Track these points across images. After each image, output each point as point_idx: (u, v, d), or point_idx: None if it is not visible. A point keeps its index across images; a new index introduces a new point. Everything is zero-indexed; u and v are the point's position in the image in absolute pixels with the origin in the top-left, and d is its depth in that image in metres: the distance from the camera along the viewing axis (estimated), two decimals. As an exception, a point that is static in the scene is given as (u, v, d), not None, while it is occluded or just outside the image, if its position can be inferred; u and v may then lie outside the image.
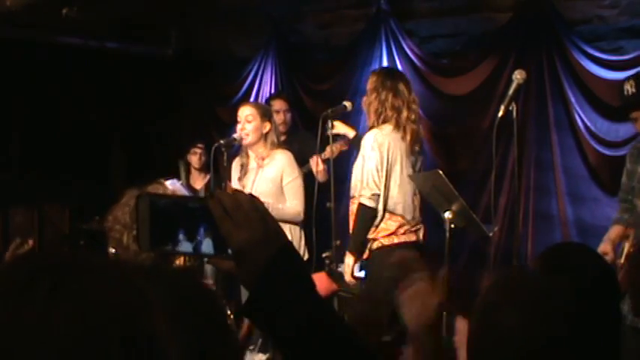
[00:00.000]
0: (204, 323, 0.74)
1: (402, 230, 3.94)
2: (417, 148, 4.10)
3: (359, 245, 3.94)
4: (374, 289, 3.90)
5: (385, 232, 3.93)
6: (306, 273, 1.06)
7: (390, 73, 4.19)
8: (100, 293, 0.71)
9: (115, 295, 0.71)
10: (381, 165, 3.88)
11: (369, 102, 4.00)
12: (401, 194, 3.95)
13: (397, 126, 3.93)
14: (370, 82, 4.03)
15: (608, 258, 3.34)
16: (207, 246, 1.14)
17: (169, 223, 1.16)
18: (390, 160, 3.90)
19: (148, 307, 0.72)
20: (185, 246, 1.15)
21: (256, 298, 1.02)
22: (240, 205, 1.06)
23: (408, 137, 3.96)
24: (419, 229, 4.04)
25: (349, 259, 3.96)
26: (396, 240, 3.92)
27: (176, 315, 0.75)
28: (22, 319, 0.68)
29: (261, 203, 1.11)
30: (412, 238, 3.97)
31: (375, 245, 3.95)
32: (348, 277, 4.00)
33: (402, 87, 3.98)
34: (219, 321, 0.86)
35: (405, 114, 3.93)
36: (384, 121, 3.94)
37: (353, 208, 4.03)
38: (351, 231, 3.99)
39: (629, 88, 3.22)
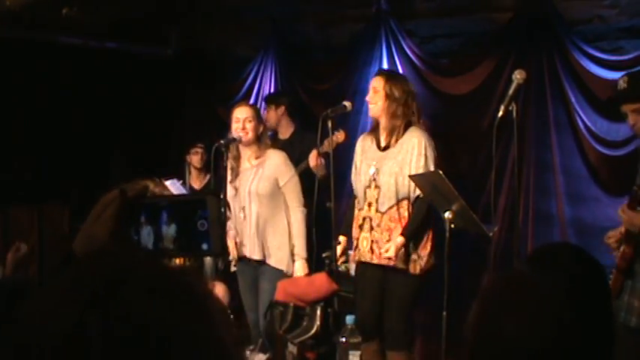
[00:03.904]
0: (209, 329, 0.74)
1: None
2: None
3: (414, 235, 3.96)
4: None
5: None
6: None
7: (403, 77, 4.28)
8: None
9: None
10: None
11: (396, 106, 3.94)
12: None
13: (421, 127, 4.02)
14: (396, 88, 3.97)
15: (611, 242, 3.25)
16: (168, 230, 1.23)
17: (133, 209, 1.28)
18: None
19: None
20: (146, 230, 1.25)
21: None
22: None
23: None
24: None
25: (400, 239, 3.91)
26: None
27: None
28: None
29: None
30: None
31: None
32: (393, 252, 3.91)
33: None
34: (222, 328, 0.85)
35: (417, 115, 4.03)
36: (409, 125, 3.98)
37: (402, 212, 3.96)
38: (410, 225, 3.93)
39: (621, 83, 3.22)
